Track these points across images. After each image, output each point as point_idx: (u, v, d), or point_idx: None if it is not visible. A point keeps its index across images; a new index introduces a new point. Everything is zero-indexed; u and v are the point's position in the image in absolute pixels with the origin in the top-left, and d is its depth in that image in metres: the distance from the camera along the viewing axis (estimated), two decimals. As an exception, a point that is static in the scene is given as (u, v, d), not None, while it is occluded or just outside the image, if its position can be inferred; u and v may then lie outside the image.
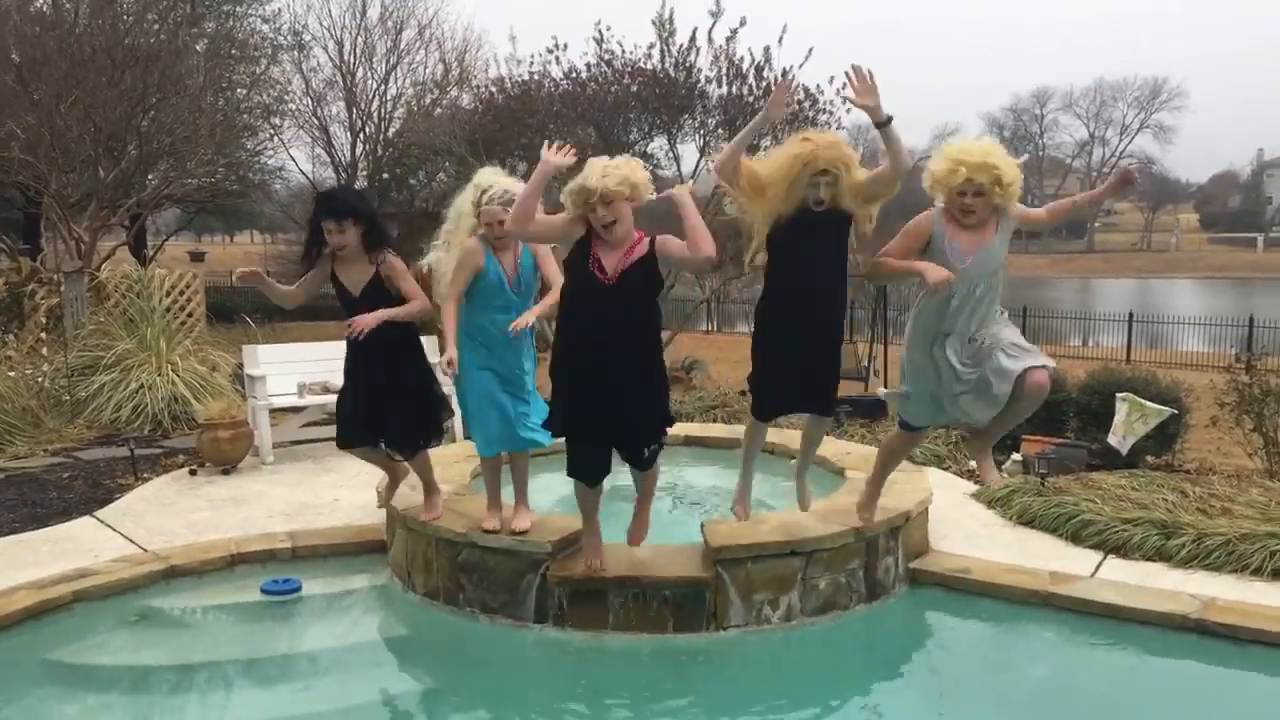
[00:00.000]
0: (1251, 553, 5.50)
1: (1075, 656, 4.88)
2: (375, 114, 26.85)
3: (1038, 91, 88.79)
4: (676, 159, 14.46)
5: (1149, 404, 7.32)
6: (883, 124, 4.30)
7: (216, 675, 4.71)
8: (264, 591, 5.39)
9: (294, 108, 24.81)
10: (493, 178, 5.09)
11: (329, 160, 29.29)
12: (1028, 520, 6.41)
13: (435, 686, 4.80)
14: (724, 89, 12.73)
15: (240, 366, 11.07)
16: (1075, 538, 6.05)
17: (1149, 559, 5.72)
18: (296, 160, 29.71)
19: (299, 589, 5.44)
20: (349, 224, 4.97)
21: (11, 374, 9.80)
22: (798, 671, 4.79)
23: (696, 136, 13.53)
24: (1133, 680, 4.65)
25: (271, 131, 23.28)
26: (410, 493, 5.79)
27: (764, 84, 12.39)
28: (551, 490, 6.25)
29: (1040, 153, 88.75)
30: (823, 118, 12.60)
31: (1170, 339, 22.98)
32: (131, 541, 6.17)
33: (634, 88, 13.15)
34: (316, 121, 27.44)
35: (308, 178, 30.75)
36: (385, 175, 17.62)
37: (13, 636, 4.89)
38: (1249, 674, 4.57)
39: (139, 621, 5.20)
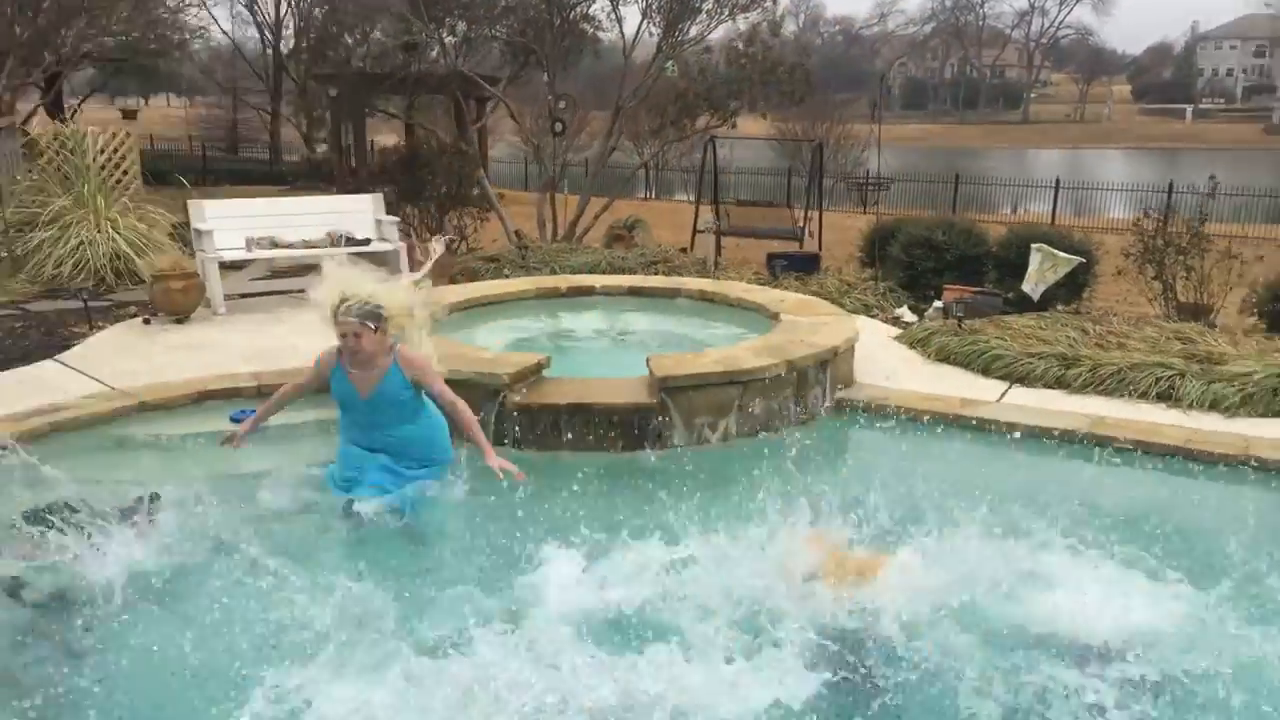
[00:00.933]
0: (1140, 379, 6.13)
1: (978, 463, 5.48)
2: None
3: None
4: (619, 21, 14.39)
5: (1060, 253, 7.87)
6: None
7: (189, 493, 5.01)
8: (232, 419, 5.69)
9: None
10: (357, 285, 4.45)
11: (250, 19, 28.23)
12: (944, 357, 6.98)
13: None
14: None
15: (179, 224, 11.09)
16: (985, 370, 6.64)
17: (1049, 387, 6.34)
18: (217, 19, 28.47)
19: (266, 418, 5.75)
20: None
21: (-51, 229, 9.69)
22: (734, 478, 5.28)
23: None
24: (1027, 477, 5.26)
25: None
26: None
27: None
28: (513, 330, 6.60)
29: (980, 22, 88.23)
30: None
31: (1095, 205, 23.79)
32: (98, 381, 6.40)
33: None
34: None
35: (229, 36, 29.64)
36: (313, 35, 17.13)
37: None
38: (1125, 470, 5.21)
39: (115, 448, 5.49)
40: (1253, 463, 5.15)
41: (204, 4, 25.16)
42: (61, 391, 6.14)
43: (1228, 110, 78.93)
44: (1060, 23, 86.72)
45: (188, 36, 26.22)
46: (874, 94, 30.74)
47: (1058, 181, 23.21)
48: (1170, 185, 21.36)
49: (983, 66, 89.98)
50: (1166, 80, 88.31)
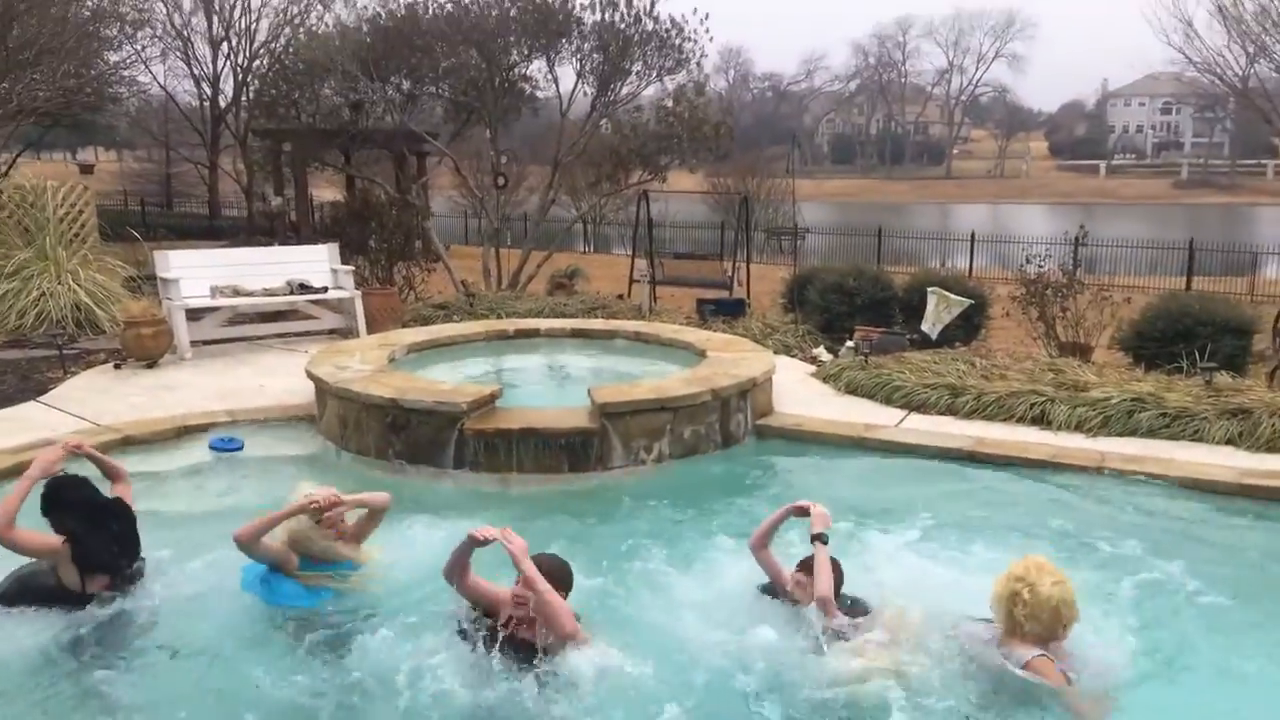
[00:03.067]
0: (1016, 405, 7.07)
1: (880, 481, 6.29)
2: (239, 24, 26.46)
3: (900, 19, 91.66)
4: (555, 80, 15.33)
5: (953, 296, 8.85)
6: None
7: (174, 519, 5.57)
8: (211, 447, 6.30)
9: (152, 18, 24.25)
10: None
11: (187, 71, 28.66)
12: (852, 389, 7.85)
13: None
14: (598, 15, 13.66)
15: (132, 277, 11.59)
16: (888, 400, 7.52)
17: (942, 413, 7.24)
18: (156, 75, 28.81)
19: (241, 447, 6.38)
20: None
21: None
22: (669, 496, 6.01)
23: (574, 61, 14.42)
24: (921, 491, 6.06)
25: (136, 45, 22.81)
26: (337, 370, 6.76)
27: (634, 12, 13.37)
28: (466, 368, 7.31)
29: (903, 79, 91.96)
30: (688, 45, 13.68)
31: (1011, 257, 25.23)
32: (82, 419, 6.94)
33: (513, 12, 13.89)
34: (175, 31, 26.84)
35: (165, 90, 29.95)
36: (273, 91, 17.79)
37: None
38: (1003, 484, 6.08)
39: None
40: (1105, 472, 6.07)
41: (141, 58, 25.52)
42: (48, 428, 6.67)
43: (1139, 166, 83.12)
44: (978, 81, 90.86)
45: (125, 93, 26.52)
46: (801, 149, 32.18)
47: (973, 235, 24.64)
48: (1077, 239, 23.12)
49: (906, 123, 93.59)
50: (1081, 136, 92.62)
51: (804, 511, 4.29)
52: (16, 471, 5.81)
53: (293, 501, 4.27)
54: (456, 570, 3.93)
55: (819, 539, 4.11)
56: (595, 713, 3.58)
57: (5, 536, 4.12)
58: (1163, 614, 4.39)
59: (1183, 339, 8.14)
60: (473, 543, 3.83)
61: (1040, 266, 9.28)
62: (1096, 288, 9.21)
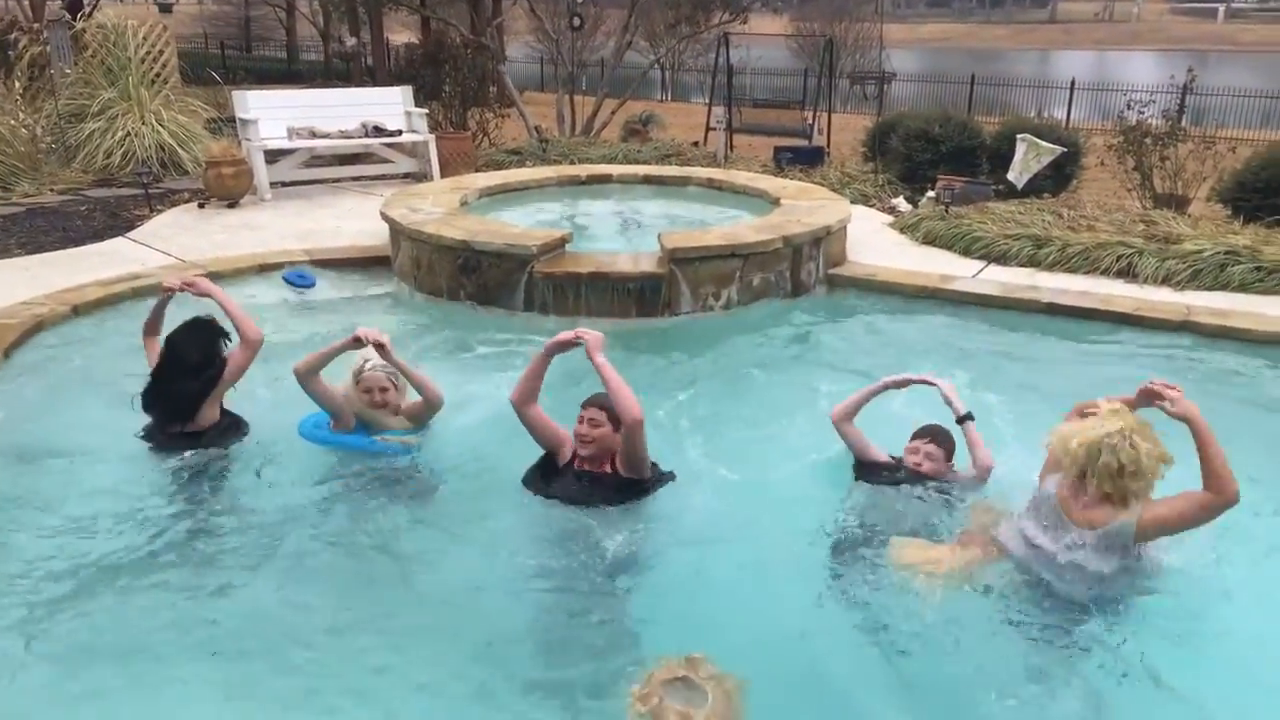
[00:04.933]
0: (1103, 257, 6.80)
1: (954, 331, 6.18)
2: None
3: None
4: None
5: (1044, 143, 8.43)
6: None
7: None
8: (285, 279, 6.44)
9: None
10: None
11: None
12: (930, 240, 7.64)
13: (446, 351, 5.90)
14: None
15: (213, 119, 11.71)
16: (966, 251, 7.31)
17: (1023, 265, 7.02)
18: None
19: (314, 283, 6.53)
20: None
21: (11, 121, 10.33)
22: (736, 343, 6.02)
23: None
24: (993, 344, 5.97)
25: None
26: (410, 213, 6.81)
27: None
28: (538, 213, 7.30)
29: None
30: None
31: (1114, 109, 23.81)
32: (169, 255, 7.17)
33: None
34: None
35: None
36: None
37: (89, 318, 5.96)
38: (1083, 341, 5.93)
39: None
40: (1189, 328, 5.87)
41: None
42: (138, 263, 6.93)
43: (1262, 10, 76.60)
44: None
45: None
46: (893, -9, 30.37)
47: (1072, 83, 23.25)
48: (1184, 87, 21.63)
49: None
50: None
51: (900, 385, 4.05)
52: (108, 302, 6.13)
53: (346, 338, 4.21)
54: (530, 391, 3.82)
55: (968, 419, 3.92)
56: (661, 554, 3.60)
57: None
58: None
59: (1288, 191, 7.68)
60: (552, 350, 3.76)
61: (1141, 113, 8.73)
62: (1200, 138, 8.65)
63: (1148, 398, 3.18)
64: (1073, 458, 3.15)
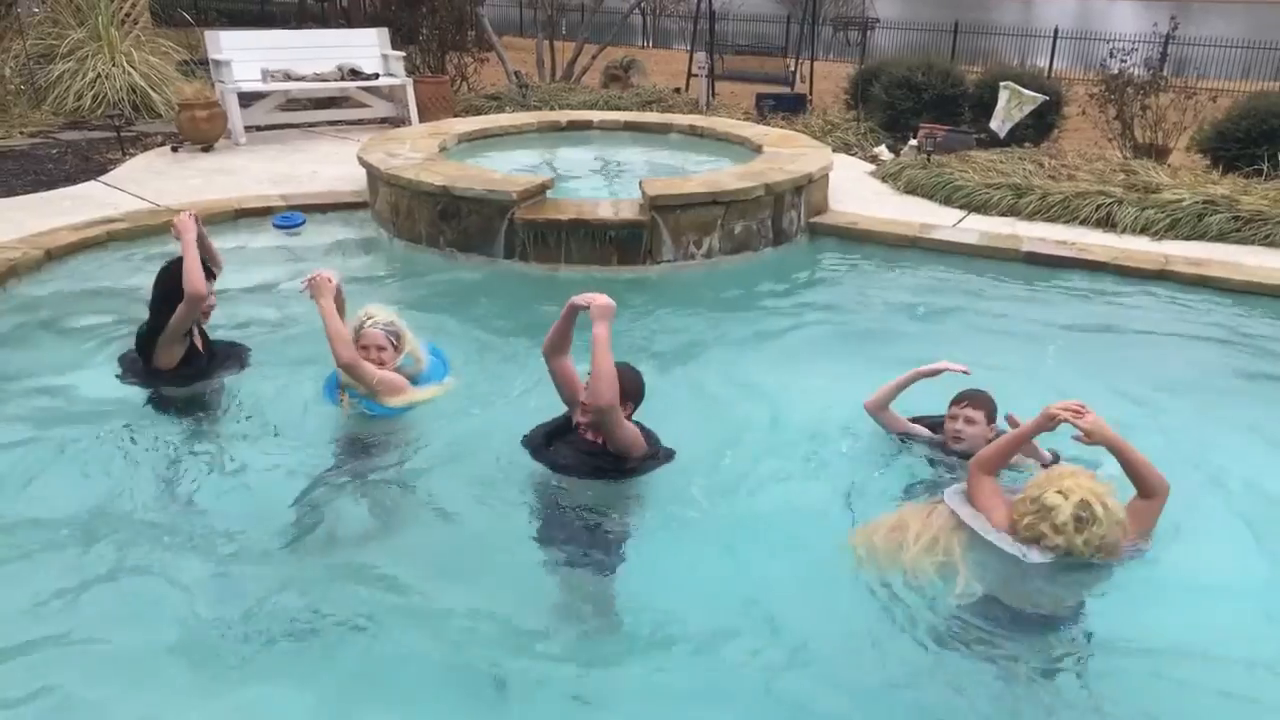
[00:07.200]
0: (1082, 206, 6.83)
1: (933, 279, 6.21)
2: None
3: None
4: None
5: (1025, 91, 8.40)
6: None
7: (239, 291, 5.68)
8: (275, 225, 6.40)
9: None
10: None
11: None
12: (912, 189, 7.64)
13: (425, 299, 5.88)
14: None
15: (187, 61, 11.45)
16: (947, 200, 7.32)
17: (1003, 214, 7.04)
18: None
19: (304, 222, 6.50)
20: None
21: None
22: (717, 291, 6.03)
23: None
24: (971, 293, 6.00)
25: None
26: (388, 158, 6.73)
27: None
28: (518, 159, 7.23)
29: None
30: None
31: (1096, 58, 23.68)
32: (143, 199, 7.06)
33: None
34: None
35: None
36: None
37: (63, 265, 5.88)
38: (1061, 290, 5.97)
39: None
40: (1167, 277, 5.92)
41: None
42: (112, 206, 6.83)
43: (1246, -41, 76.27)
44: None
45: None
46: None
47: (1055, 31, 23.09)
48: (1167, 36, 21.53)
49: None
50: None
51: (933, 374, 3.91)
52: (82, 247, 6.05)
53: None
54: (557, 342, 3.74)
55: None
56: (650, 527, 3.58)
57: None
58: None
59: (1267, 140, 7.70)
60: (574, 309, 3.67)
61: (1124, 62, 8.70)
62: (1181, 88, 8.64)
63: (1051, 421, 3.12)
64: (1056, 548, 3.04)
